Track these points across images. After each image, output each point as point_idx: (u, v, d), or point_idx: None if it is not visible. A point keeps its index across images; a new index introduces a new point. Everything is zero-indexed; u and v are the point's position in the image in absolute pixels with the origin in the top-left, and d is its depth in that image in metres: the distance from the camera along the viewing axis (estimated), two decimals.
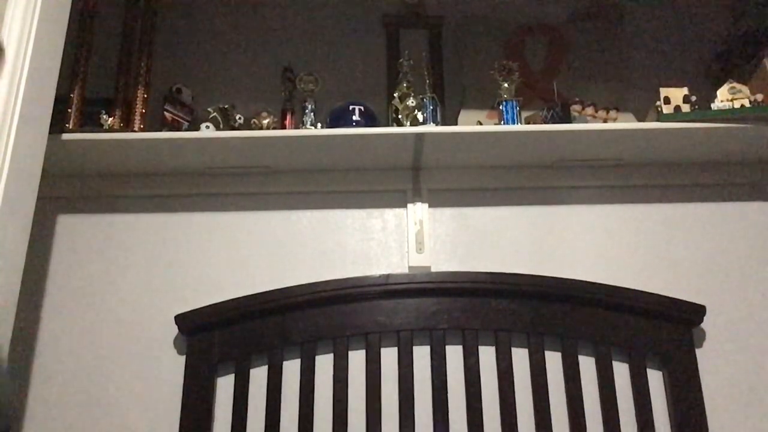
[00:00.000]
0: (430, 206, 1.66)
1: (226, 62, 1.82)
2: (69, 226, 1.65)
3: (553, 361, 1.49)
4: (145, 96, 1.59)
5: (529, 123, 1.59)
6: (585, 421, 1.43)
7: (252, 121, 1.57)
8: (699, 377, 1.45)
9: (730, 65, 1.67)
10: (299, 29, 1.85)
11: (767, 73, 1.52)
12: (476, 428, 1.42)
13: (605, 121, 1.56)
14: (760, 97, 1.45)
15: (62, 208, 1.66)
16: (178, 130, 1.56)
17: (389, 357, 1.50)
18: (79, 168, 1.62)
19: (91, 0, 1.62)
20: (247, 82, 1.79)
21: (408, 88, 1.57)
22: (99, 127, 1.51)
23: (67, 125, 1.50)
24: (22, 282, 1.12)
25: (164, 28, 1.76)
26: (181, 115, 1.60)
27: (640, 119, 1.64)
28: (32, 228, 1.14)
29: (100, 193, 1.67)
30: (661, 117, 1.47)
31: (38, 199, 1.16)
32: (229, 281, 1.60)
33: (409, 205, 1.65)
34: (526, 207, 1.67)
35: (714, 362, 1.51)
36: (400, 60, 1.65)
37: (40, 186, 1.17)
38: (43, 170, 1.19)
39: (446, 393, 1.45)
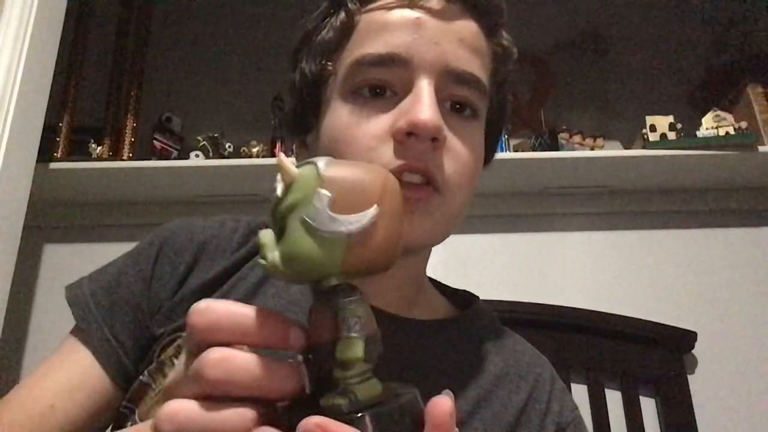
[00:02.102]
0: None
1: (215, 91, 1.83)
2: (56, 256, 1.63)
3: None
4: (135, 125, 1.59)
5: (517, 151, 1.60)
6: None
7: (241, 150, 1.58)
8: (692, 403, 1.44)
9: (714, 93, 1.70)
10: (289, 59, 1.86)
11: (750, 100, 1.55)
12: None
13: (592, 148, 1.58)
14: (744, 124, 1.47)
15: (49, 237, 1.65)
16: (168, 158, 1.56)
17: None
18: (67, 197, 1.61)
19: (81, 29, 1.63)
20: (236, 111, 1.80)
21: None
22: (87, 156, 1.51)
23: (55, 154, 1.49)
24: (6, 312, 1.10)
25: (154, 57, 1.77)
26: (170, 143, 1.60)
27: (627, 147, 1.66)
28: (18, 257, 1.13)
29: (88, 222, 1.65)
30: (647, 144, 1.49)
31: (25, 228, 1.15)
32: None
33: None
34: (515, 234, 1.67)
35: (706, 388, 1.50)
36: None
37: (26, 215, 1.16)
38: (31, 199, 1.18)
39: None
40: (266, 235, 0.34)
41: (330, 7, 0.62)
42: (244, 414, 0.32)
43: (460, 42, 0.57)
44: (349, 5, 0.60)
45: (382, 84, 0.56)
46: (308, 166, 0.34)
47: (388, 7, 0.58)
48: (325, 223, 0.32)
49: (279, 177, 0.34)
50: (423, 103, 0.53)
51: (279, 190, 0.34)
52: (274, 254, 0.33)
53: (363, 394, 0.34)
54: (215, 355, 0.32)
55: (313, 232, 0.32)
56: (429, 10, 0.57)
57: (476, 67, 0.58)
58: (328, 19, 0.62)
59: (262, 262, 0.34)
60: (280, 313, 0.34)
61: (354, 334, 0.34)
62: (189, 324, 0.34)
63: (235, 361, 0.32)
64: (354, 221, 0.33)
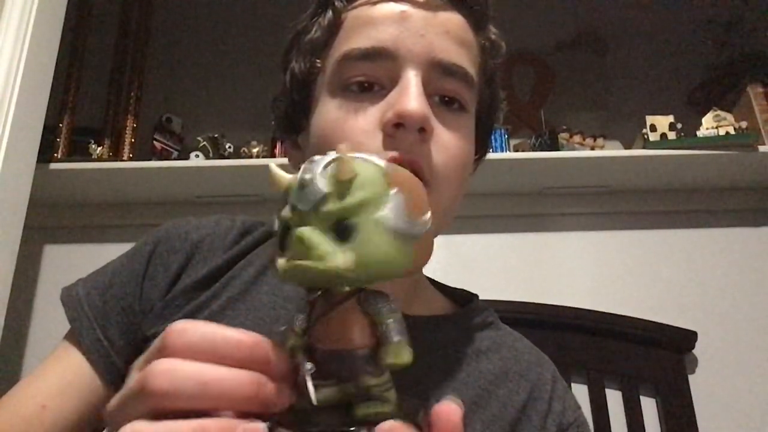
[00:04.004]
0: None
1: (215, 91, 1.83)
2: (56, 257, 1.63)
3: None
4: (135, 125, 1.59)
5: (517, 151, 1.60)
6: None
7: (242, 150, 1.57)
8: (692, 404, 1.44)
9: (714, 93, 1.70)
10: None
11: (751, 100, 1.54)
12: None
13: (592, 148, 1.58)
14: (744, 124, 1.47)
15: (49, 237, 1.65)
16: (168, 159, 1.56)
17: None
18: (67, 198, 1.61)
19: (81, 29, 1.63)
20: (236, 111, 1.79)
21: None
22: (88, 157, 1.51)
23: (55, 155, 1.49)
24: (7, 313, 1.10)
25: (154, 57, 1.76)
26: (170, 144, 1.59)
27: (627, 146, 1.66)
28: (18, 258, 1.13)
29: (88, 222, 1.65)
30: (647, 144, 1.49)
31: (25, 228, 1.15)
32: None
33: None
34: (515, 234, 1.67)
35: (706, 388, 1.50)
36: None
37: (27, 215, 1.16)
38: (31, 200, 1.18)
39: None
40: (318, 236, 0.31)
41: (318, 7, 0.62)
42: (203, 426, 0.29)
43: (446, 34, 0.57)
44: (336, 3, 0.60)
45: (370, 79, 0.56)
46: (364, 163, 0.32)
47: (374, 2, 0.58)
48: (403, 225, 0.31)
49: (314, 173, 0.32)
50: (410, 94, 0.53)
51: (324, 187, 0.31)
52: (345, 255, 0.30)
53: (395, 401, 0.32)
54: (160, 366, 0.31)
55: (392, 234, 0.31)
56: (414, 3, 0.57)
57: (463, 59, 0.58)
58: (315, 18, 0.62)
59: (315, 264, 0.30)
60: (261, 336, 0.32)
61: (404, 339, 0.33)
62: (165, 345, 0.32)
63: (182, 371, 0.30)
64: (422, 222, 0.33)
